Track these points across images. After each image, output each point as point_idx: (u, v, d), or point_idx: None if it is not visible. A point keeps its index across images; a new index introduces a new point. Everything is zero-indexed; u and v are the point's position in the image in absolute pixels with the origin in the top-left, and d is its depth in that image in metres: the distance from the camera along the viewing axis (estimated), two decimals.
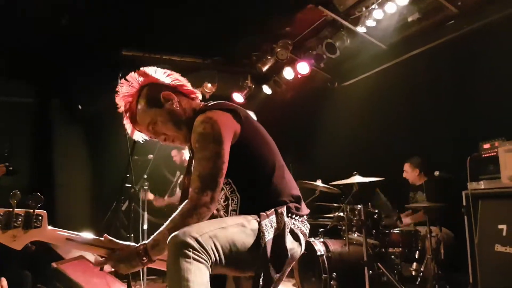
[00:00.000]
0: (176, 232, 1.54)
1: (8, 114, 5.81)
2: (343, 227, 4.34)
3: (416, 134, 5.12)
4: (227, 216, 1.87)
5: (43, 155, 5.99)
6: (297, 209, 1.85)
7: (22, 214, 1.56)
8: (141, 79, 1.91)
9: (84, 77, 5.66)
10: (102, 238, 1.76)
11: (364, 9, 4.88)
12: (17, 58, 5.55)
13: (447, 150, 4.56)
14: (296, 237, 1.82)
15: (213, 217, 1.93)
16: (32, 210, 1.58)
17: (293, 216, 1.82)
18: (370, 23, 4.92)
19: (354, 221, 4.28)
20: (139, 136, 2.04)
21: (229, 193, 1.86)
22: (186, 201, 1.68)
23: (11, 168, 4.24)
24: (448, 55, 4.81)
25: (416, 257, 4.05)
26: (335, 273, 4.07)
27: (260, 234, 1.67)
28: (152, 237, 1.68)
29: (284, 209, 1.76)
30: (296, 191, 1.90)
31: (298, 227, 1.83)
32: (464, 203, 3.55)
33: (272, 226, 1.71)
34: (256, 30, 5.46)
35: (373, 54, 5.65)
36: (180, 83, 1.95)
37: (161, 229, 1.67)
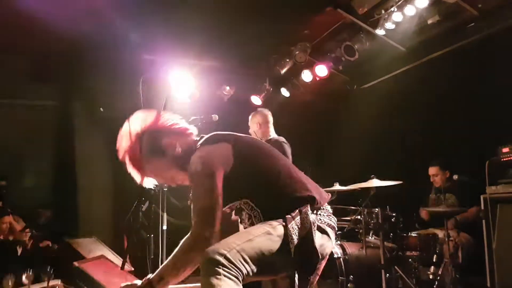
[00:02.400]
0: (207, 250, 1.63)
1: (31, 117, 5.96)
2: (361, 230, 4.34)
3: (434, 137, 5.08)
4: (251, 218, 1.91)
5: (66, 157, 6.13)
6: (318, 201, 1.86)
7: None
8: (138, 128, 1.96)
9: (105, 80, 5.78)
10: None
11: (383, 11, 4.87)
12: (40, 61, 5.70)
13: (466, 153, 4.52)
14: (324, 233, 1.84)
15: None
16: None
17: (318, 211, 1.85)
18: (389, 25, 4.90)
19: (372, 224, 4.27)
20: (149, 183, 2.08)
21: (250, 211, 1.90)
22: (187, 237, 1.78)
23: None
24: (468, 58, 4.77)
25: (434, 260, 4.03)
26: (351, 276, 4.07)
27: (288, 238, 1.71)
28: (156, 272, 1.79)
29: (308, 208, 1.78)
30: (310, 184, 1.93)
31: (324, 222, 1.86)
32: (483, 207, 3.52)
33: (298, 228, 1.75)
34: (275, 33, 5.49)
35: (392, 56, 5.63)
36: (173, 122, 2.00)
37: (164, 264, 1.78)
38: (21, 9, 4.40)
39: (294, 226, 1.73)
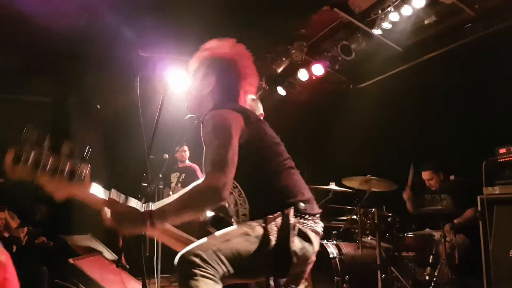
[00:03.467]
0: (182, 252, 1.59)
1: (26, 112, 5.92)
2: (357, 230, 4.34)
3: (431, 137, 5.09)
4: (239, 220, 1.89)
5: None
6: (308, 208, 1.84)
7: (68, 167, 1.54)
8: (231, 53, 2.04)
9: (102, 77, 5.75)
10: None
11: (380, 11, 4.87)
12: (35, 57, 5.66)
13: (462, 154, 4.52)
14: (305, 237, 1.80)
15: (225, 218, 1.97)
16: (78, 165, 1.56)
17: (303, 216, 1.82)
18: (386, 25, 4.90)
19: (368, 224, 4.27)
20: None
21: (237, 196, 1.88)
22: (199, 180, 1.70)
23: None
24: (464, 58, 4.78)
25: (430, 261, 4.03)
26: (347, 276, 4.07)
27: (266, 239, 1.68)
28: (159, 204, 1.70)
29: (291, 210, 1.75)
30: (306, 192, 1.91)
31: (309, 226, 1.83)
32: (479, 208, 3.52)
33: (277, 229, 1.72)
34: (271, 32, 5.47)
35: (389, 56, 5.63)
36: (240, 86, 2.04)
37: (169, 199, 1.70)
38: (17, 4, 4.37)
39: (273, 227, 1.71)
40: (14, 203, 5.02)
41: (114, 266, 4.15)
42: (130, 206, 1.70)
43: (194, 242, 1.81)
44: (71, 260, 4.03)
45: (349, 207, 4.78)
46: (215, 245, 1.62)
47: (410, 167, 4.68)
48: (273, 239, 1.69)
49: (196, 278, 1.53)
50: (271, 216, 1.72)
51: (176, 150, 5.64)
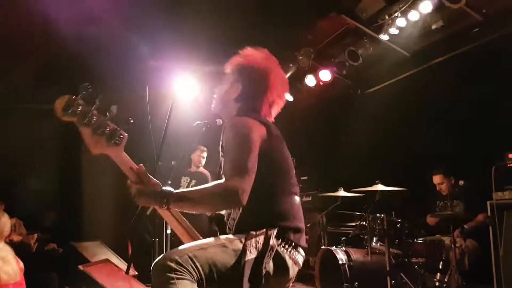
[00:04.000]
0: (157, 258, 1.62)
1: (37, 121, 5.98)
2: (366, 236, 4.32)
3: (439, 142, 5.06)
4: (227, 222, 1.91)
5: (71, 161, 6.15)
6: (293, 237, 1.83)
7: (110, 127, 1.63)
8: (265, 66, 2.06)
9: (111, 86, 5.79)
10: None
11: (387, 17, 4.87)
12: (47, 66, 5.72)
13: (471, 159, 4.49)
14: (282, 262, 1.78)
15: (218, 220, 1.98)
16: (119, 128, 1.65)
17: (287, 241, 1.81)
18: (393, 30, 4.90)
19: (377, 230, 4.25)
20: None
21: None
22: (220, 180, 1.73)
23: None
24: (472, 63, 4.76)
25: (440, 267, 3.99)
26: (356, 282, 4.05)
27: (242, 253, 1.68)
28: (180, 191, 1.72)
29: (274, 231, 1.75)
30: (300, 222, 1.90)
31: (289, 252, 1.81)
32: (489, 213, 3.50)
33: (256, 247, 1.72)
34: (278, 38, 5.49)
35: (396, 61, 5.63)
36: (271, 100, 2.06)
37: (193, 189, 1.74)
38: (29, 14, 4.43)
39: (253, 243, 1.71)
40: (24, 210, 5.07)
41: (123, 272, 4.16)
42: (155, 180, 1.74)
43: (194, 232, 1.85)
44: (80, 267, 4.05)
45: (358, 213, 4.77)
46: (192, 251, 1.64)
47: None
48: (249, 255, 1.69)
49: (172, 281, 1.55)
50: (253, 233, 1.72)
51: (194, 149, 5.62)
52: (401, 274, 4.04)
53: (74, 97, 1.56)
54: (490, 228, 3.47)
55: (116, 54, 5.20)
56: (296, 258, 1.85)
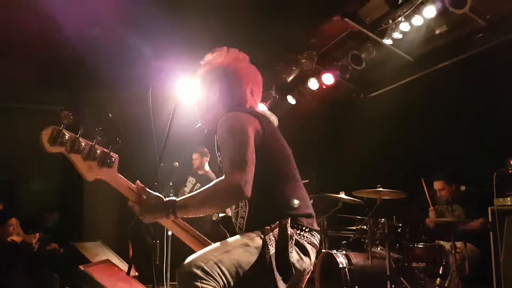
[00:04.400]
0: (183, 263, 1.61)
1: (39, 121, 6.01)
2: (366, 240, 4.32)
3: (441, 147, 5.06)
4: (237, 222, 1.93)
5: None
6: (306, 222, 1.86)
7: (99, 151, 1.66)
8: (229, 60, 2.09)
9: (114, 86, 5.81)
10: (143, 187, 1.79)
11: (390, 21, 4.87)
12: (49, 67, 5.75)
13: (473, 165, 4.49)
14: (303, 249, 1.82)
15: (225, 221, 1.99)
16: (108, 150, 1.68)
17: (301, 227, 1.84)
18: (397, 35, 4.89)
19: (378, 234, 4.25)
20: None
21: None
22: (220, 178, 1.72)
23: None
24: (475, 69, 4.76)
25: (440, 272, 3.98)
26: (356, 286, 4.05)
27: (264, 249, 1.70)
28: (183, 197, 1.73)
29: (288, 221, 1.77)
30: (308, 208, 1.92)
31: (305, 238, 1.84)
32: (490, 219, 3.49)
33: (275, 239, 1.73)
34: (281, 41, 5.51)
35: (399, 66, 5.63)
36: (248, 89, 2.09)
37: (194, 193, 1.73)
38: (30, 15, 4.45)
39: (271, 237, 1.73)
40: (25, 211, 5.09)
41: (124, 273, 4.17)
42: (155, 194, 1.76)
43: (203, 238, 1.84)
44: (81, 267, 4.07)
45: (359, 217, 4.77)
46: (216, 256, 1.64)
47: (423, 184, 4.49)
48: (271, 249, 1.70)
49: None
50: (268, 228, 1.74)
51: (195, 151, 5.60)
52: (401, 278, 4.04)
53: (57, 127, 1.56)
54: (491, 233, 3.47)
55: (118, 53, 5.21)
56: (313, 242, 1.88)
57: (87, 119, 1.63)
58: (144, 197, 1.74)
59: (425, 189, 4.46)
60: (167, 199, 1.72)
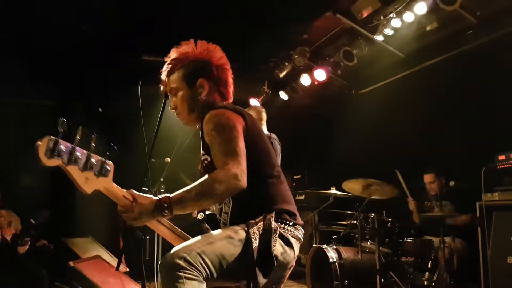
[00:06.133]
0: (165, 255, 1.62)
1: (29, 116, 5.97)
2: (356, 235, 4.35)
3: (432, 143, 5.09)
4: (221, 218, 1.94)
5: None
6: (290, 216, 1.88)
7: (95, 160, 1.59)
8: (204, 53, 2.02)
9: (105, 81, 5.78)
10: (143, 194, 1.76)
11: (382, 18, 4.89)
12: (39, 61, 5.70)
13: (462, 160, 4.53)
14: (286, 242, 1.83)
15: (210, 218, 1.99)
16: (105, 159, 1.62)
17: (285, 221, 1.85)
18: (388, 31, 4.92)
19: (368, 229, 4.28)
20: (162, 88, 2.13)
21: None
22: (216, 170, 1.71)
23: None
24: (466, 65, 4.78)
25: (429, 266, 4.03)
26: (347, 281, 4.08)
27: (248, 242, 1.70)
28: (177, 192, 1.70)
29: (272, 215, 1.78)
30: (291, 204, 1.93)
31: (289, 231, 1.85)
32: (478, 214, 3.53)
33: (259, 233, 1.74)
34: (274, 37, 5.50)
35: (391, 62, 5.66)
36: (226, 83, 2.07)
37: (188, 187, 1.70)
38: (22, 7, 4.41)
39: (255, 231, 1.73)
40: (16, 206, 5.04)
41: (114, 269, 4.16)
42: (146, 196, 1.72)
43: (187, 237, 1.83)
44: (71, 263, 4.05)
45: (349, 212, 4.80)
46: (199, 247, 1.64)
47: (397, 176, 4.51)
48: (255, 242, 1.71)
49: (181, 281, 1.55)
50: (253, 221, 1.75)
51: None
52: (391, 272, 4.08)
53: (53, 138, 1.47)
54: (479, 228, 3.51)
55: (109, 48, 5.18)
56: (297, 235, 1.89)
57: (81, 123, 1.53)
58: (138, 202, 1.70)
59: (401, 180, 4.50)
60: (160, 196, 1.69)
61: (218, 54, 2.05)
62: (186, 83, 2.00)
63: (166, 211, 1.66)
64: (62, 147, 1.48)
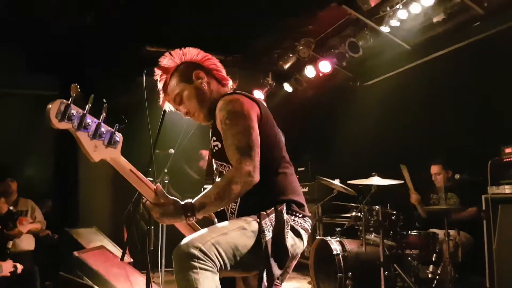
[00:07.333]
0: (180, 244, 1.62)
1: (33, 107, 5.97)
2: (360, 227, 4.34)
3: (437, 136, 5.06)
4: (228, 208, 1.94)
5: (67, 148, 6.14)
6: (299, 208, 1.90)
7: (105, 129, 1.59)
8: (183, 57, 2.04)
9: (109, 71, 5.76)
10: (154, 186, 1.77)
11: (388, 8, 4.83)
12: (43, 52, 5.69)
13: (468, 153, 4.50)
14: (297, 233, 1.85)
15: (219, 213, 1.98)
16: (114, 130, 1.63)
17: (294, 213, 1.86)
18: (394, 23, 4.87)
19: (372, 222, 4.27)
20: (167, 106, 2.15)
21: None
22: (229, 170, 1.75)
23: None
24: (472, 57, 4.74)
25: (433, 259, 4.02)
26: (350, 273, 4.07)
27: (260, 234, 1.72)
28: (197, 198, 1.71)
29: (283, 207, 1.80)
30: (300, 195, 1.94)
31: (299, 223, 1.87)
32: (484, 207, 3.51)
33: (272, 225, 1.75)
34: (279, 28, 5.47)
35: (397, 54, 5.61)
36: (216, 67, 2.08)
37: (206, 192, 1.71)
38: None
39: (267, 222, 1.75)
40: (20, 197, 5.05)
41: (119, 259, 4.17)
42: (173, 198, 1.73)
43: (197, 227, 1.84)
44: (75, 253, 4.06)
45: (353, 204, 4.78)
46: (214, 237, 1.65)
47: (402, 170, 4.49)
48: (268, 234, 1.72)
49: (195, 270, 1.55)
50: (264, 213, 1.76)
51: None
52: (395, 265, 4.07)
53: (65, 101, 1.47)
54: (484, 221, 3.49)
55: (112, 39, 5.16)
56: (306, 226, 1.91)
57: (95, 94, 1.52)
58: (162, 201, 1.71)
59: (405, 174, 4.48)
60: (184, 202, 1.70)
61: (193, 52, 2.06)
62: (185, 81, 2.02)
63: (190, 217, 1.69)
64: (73, 111, 1.48)
